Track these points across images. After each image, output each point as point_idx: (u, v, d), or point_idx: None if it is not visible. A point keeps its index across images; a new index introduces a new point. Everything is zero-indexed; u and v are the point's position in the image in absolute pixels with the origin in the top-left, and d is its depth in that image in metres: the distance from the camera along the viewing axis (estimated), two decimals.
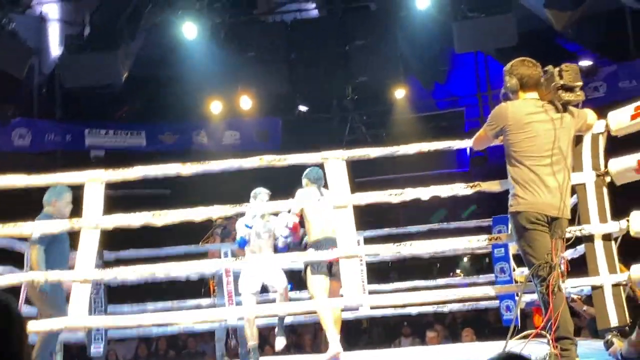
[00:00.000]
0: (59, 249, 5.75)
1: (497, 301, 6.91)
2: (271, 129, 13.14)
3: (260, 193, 6.51)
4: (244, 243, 6.53)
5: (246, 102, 12.23)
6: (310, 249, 5.69)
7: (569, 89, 4.11)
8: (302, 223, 6.02)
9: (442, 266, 13.81)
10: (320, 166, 5.39)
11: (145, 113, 13.15)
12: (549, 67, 4.20)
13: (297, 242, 6.38)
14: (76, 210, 5.63)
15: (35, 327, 4.99)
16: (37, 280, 5.26)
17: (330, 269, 5.71)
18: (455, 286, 8.82)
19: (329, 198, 5.28)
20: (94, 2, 10.76)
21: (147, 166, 5.25)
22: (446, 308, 7.98)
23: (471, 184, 4.87)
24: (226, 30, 11.51)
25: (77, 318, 4.91)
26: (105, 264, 7.47)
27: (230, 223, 7.76)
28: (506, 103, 4.22)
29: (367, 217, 12.55)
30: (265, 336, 9.12)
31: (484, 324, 10.72)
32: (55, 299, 5.58)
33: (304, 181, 6.05)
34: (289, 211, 5.95)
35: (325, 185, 5.47)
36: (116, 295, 8.27)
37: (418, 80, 13.73)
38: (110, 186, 5.31)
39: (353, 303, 4.99)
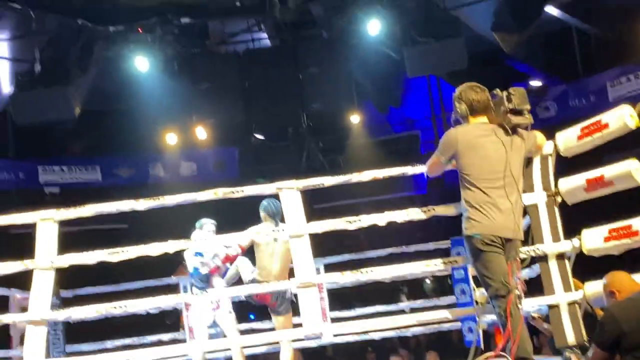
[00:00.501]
0: None
1: (459, 323, 6.93)
2: (228, 158, 13.10)
3: (206, 223, 6.50)
4: (197, 273, 6.49)
5: (202, 133, 12.20)
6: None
7: (517, 112, 4.19)
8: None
9: (407, 289, 13.84)
10: (276, 197, 5.39)
11: (99, 147, 13.03)
12: (497, 91, 4.28)
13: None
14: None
15: None
16: None
17: (275, 308, 5.98)
18: (420, 309, 8.88)
19: (285, 230, 5.28)
20: (43, 39, 10.65)
21: (101, 203, 5.18)
22: (409, 332, 7.99)
23: (425, 209, 4.89)
24: (179, 62, 11.48)
25: None
26: (62, 302, 7.34)
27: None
28: (455, 128, 4.29)
29: (327, 243, 12.61)
30: None
31: (448, 345, 10.74)
32: None
33: (261, 214, 6.10)
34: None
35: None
36: (75, 334, 8.11)
37: (373, 105, 13.85)
38: (66, 222, 5.23)
39: (314, 332, 4.95)
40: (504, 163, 4.11)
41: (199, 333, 6.47)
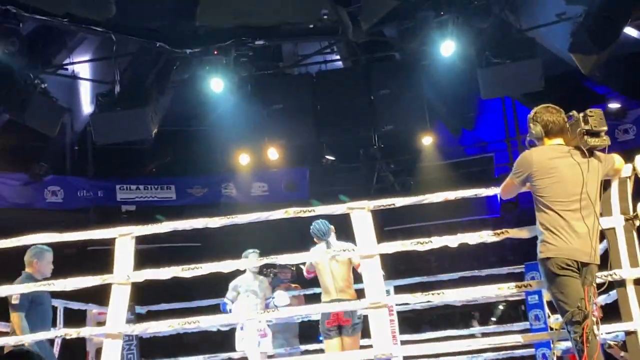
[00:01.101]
0: (40, 311, 5.78)
1: (533, 349, 6.79)
2: (298, 179, 13.19)
3: (249, 254, 6.78)
4: (224, 309, 6.99)
5: (273, 154, 12.34)
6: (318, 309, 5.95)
7: (594, 134, 4.11)
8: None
9: (479, 315, 13.63)
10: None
11: (174, 167, 13.33)
12: (573, 113, 4.21)
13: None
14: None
15: None
16: (27, 343, 5.28)
17: (340, 329, 5.96)
18: (490, 335, 8.71)
19: (351, 249, 5.31)
20: (124, 61, 11.02)
21: (176, 221, 5.31)
22: (481, 357, 7.85)
23: (499, 231, 4.83)
24: (253, 84, 11.66)
25: None
26: (137, 318, 7.51)
27: (282, 272, 7.88)
28: (530, 150, 4.22)
29: (397, 265, 12.54)
30: None
31: None
32: None
33: (314, 238, 6.23)
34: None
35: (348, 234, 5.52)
36: (147, 350, 8.27)
37: (445, 127, 13.75)
38: (142, 241, 5.37)
39: (384, 353, 4.92)
40: (580, 185, 4.03)
41: (251, 356, 6.64)
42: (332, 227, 6.16)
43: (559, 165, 4.07)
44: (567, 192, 4.03)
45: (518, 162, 4.26)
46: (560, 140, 4.19)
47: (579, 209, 4.00)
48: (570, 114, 4.20)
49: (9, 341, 5.30)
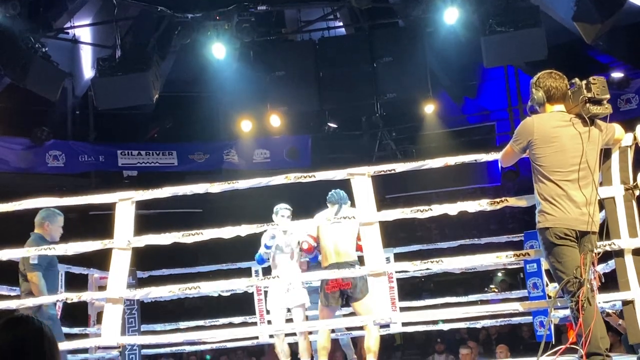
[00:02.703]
0: (52, 274, 5.87)
1: (531, 317, 6.85)
2: (301, 146, 13.18)
3: (281, 209, 6.52)
4: (261, 261, 6.66)
5: (275, 120, 12.32)
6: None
7: (596, 101, 4.08)
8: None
9: (477, 282, 13.72)
10: (347, 183, 5.42)
11: (176, 133, 13.31)
12: (576, 80, 4.19)
13: (314, 260, 6.50)
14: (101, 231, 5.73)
15: (67, 347, 5.06)
16: (45, 305, 5.37)
17: (343, 297, 5.89)
18: (489, 302, 8.78)
19: (352, 216, 5.30)
20: (125, 25, 10.95)
21: (177, 186, 5.32)
22: (479, 324, 7.92)
23: (498, 200, 4.84)
24: (255, 50, 11.61)
25: (111, 337, 4.97)
26: (138, 283, 7.57)
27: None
28: (532, 117, 4.20)
29: (398, 233, 12.60)
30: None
31: (518, 339, 10.61)
32: (58, 324, 5.75)
33: (328, 205, 6.20)
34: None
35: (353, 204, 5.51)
36: (149, 314, 8.35)
37: (448, 95, 13.70)
38: (143, 206, 5.39)
39: (383, 319, 4.97)
40: (579, 155, 4.02)
41: (273, 316, 6.52)
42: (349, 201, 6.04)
43: (560, 135, 4.06)
44: (566, 162, 4.02)
45: (519, 129, 4.24)
46: (561, 107, 4.17)
47: (577, 179, 4.00)
48: (573, 81, 4.17)
49: (26, 302, 5.38)
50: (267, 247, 6.47)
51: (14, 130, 11.64)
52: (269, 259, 6.58)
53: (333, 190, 6.15)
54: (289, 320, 6.57)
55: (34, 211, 5.91)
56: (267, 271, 7.27)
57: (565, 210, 3.98)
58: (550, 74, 4.21)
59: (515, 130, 4.34)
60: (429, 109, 12.65)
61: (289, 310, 6.53)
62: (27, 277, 5.78)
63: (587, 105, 4.05)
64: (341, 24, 12.68)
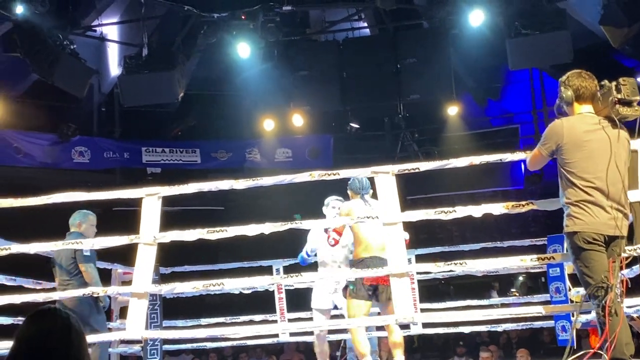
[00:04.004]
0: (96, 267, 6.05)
1: (552, 321, 6.81)
2: (323, 146, 13.21)
3: (332, 200, 6.26)
4: (304, 263, 6.44)
5: (298, 120, 12.35)
6: (353, 268, 5.58)
7: (626, 103, 4.03)
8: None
9: (497, 285, 13.68)
10: (370, 180, 5.35)
11: (199, 131, 13.41)
12: (605, 82, 4.15)
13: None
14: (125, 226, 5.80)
15: (94, 339, 5.12)
16: (101, 296, 5.48)
17: (376, 293, 5.57)
18: (510, 305, 8.74)
19: (377, 209, 5.23)
20: (152, 24, 11.05)
21: (202, 183, 5.36)
22: (500, 327, 7.88)
23: (524, 202, 4.81)
24: (279, 49, 11.66)
25: (135, 331, 5.01)
26: (161, 278, 7.61)
27: None
28: (561, 120, 4.14)
29: (419, 234, 12.57)
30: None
31: (539, 344, 10.56)
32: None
33: (349, 193, 5.93)
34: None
35: (374, 195, 5.37)
36: (169, 310, 8.40)
37: (471, 97, 13.66)
38: (167, 203, 5.43)
39: (404, 320, 4.96)
40: (608, 158, 3.97)
41: (315, 315, 6.41)
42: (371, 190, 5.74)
43: (591, 139, 4.00)
44: (596, 167, 3.97)
45: (547, 132, 4.17)
46: (589, 107, 4.13)
47: (606, 183, 3.97)
48: (602, 83, 4.13)
49: (85, 291, 5.50)
50: (308, 255, 6.30)
51: (40, 126, 11.78)
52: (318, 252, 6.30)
53: (354, 178, 5.73)
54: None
55: (60, 206, 5.97)
56: (289, 269, 7.28)
57: (594, 215, 3.94)
58: (580, 73, 4.17)
59: (542, 133, 4.29)
60: (452, 110, 12.62)
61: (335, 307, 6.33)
62: (69, 271, 6.02)
63: (617, 106, 4.00)
64: (365, 24, 12.69)
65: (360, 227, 5.64)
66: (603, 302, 3.83)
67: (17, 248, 5.37)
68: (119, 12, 11.66)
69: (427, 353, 12.22)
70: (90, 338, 5.04)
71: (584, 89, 4.11)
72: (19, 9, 9.23)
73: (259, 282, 6.48)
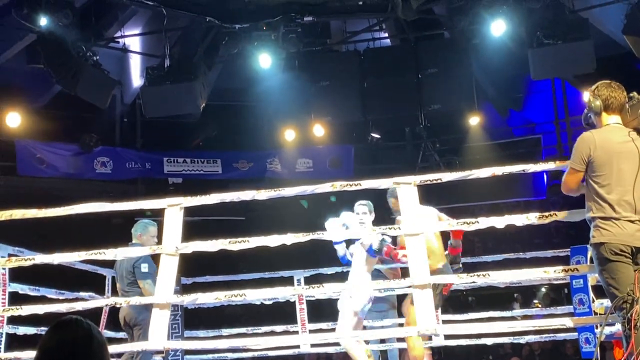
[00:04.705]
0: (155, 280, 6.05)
1: (576, 333, 6.73)
2: (344, 156, 13.21)
3: (357, 205, 6.03)
4: (344, 260, 6.14)
5: (319, 130, 12.35)
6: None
7: None
8: None
9: (521, 296, 13.56)
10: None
11: (220, 141, 13.46)
12: (634, 94, 4.12)
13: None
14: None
15: (118, 349, 5.13)
16: None
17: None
18: (533, 317, 8.66)
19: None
20: (174, 35, 11.12)
21: (224, 193, 5.36)
22: (523, 339, 7.81)
23: (547, 214, 4.76)
24: (300, 60, 11.69)
25: (157, 341, 5.02)
26: (182, 289, 7.63)
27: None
28: (591, 132, 4.09)
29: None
30: None
31: (561, 356, 10.44)
32: None
33: (391, 200, 5.85)
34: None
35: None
36: (190, 320, 8.41)
37: (493, 107, 13.60)
38: (188, 213, 5.43)
39: (428, 328, 4.92)
40: (636, 172, 3.94)
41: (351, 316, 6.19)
42: None
43: (622, 151, 3.96)
44: (624, 180, 3.93)
45: (578, 145, 4.09)
46: (617, 118, 4.10)
47: (633, 195, 3.93)
48: (631, 94, 4.11)
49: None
50: (335, 244, 5.99)
51: (63, 137, 11.89)
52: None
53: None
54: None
55: (83, 216, 6.02)
56: (310, 280, 7.26)
57: (622, 227, 3.90)
58: (609, 83, 4.15)
59: (562, 144, 4.26)
60: (474, 120, 12.57)
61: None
62: (128, 282, 6.17)
63: None
64: (386, 35, 12.70)
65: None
66: (629, 314, 3.78)
67: (40, 258, 5.40)
68: (142, 24, 11.76)
69: None
70: (113, 348, 5.05)
71: (612, 99, 4.08)
72: (43, 21, 9.34)
73: (281, 293, 6.46)
